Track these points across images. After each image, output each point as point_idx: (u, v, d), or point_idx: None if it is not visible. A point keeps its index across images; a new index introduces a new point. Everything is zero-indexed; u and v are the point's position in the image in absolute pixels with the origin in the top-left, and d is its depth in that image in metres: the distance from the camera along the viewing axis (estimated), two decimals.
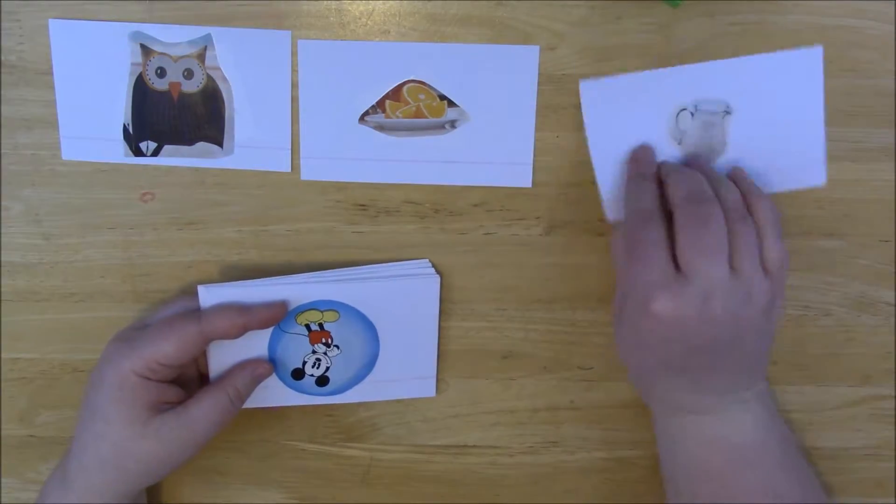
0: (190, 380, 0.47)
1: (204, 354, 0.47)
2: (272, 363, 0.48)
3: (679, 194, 0.42)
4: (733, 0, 0.46)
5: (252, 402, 0.48)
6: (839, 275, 0.49)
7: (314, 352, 0.48)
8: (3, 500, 0.52)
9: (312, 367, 0.49)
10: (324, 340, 0.48)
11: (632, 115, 0.46)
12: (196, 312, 0.44)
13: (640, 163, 0.45)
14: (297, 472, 0.52)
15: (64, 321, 0.50)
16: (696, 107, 0.46)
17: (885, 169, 0.48)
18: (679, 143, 0.47)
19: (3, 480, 0.52)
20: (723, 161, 0.47)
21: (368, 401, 0.51)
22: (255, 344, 0.47)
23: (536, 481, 0.52)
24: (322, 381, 0.49)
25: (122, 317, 0.50)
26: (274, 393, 0.49)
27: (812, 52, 0.46)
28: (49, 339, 0.50)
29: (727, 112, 0.47)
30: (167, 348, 0.42)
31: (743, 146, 0.47)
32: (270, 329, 0.47)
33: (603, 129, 0.47)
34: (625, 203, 0.44)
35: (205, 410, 0.44)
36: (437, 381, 0.51)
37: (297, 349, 0.48)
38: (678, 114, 0.46)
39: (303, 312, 0.47)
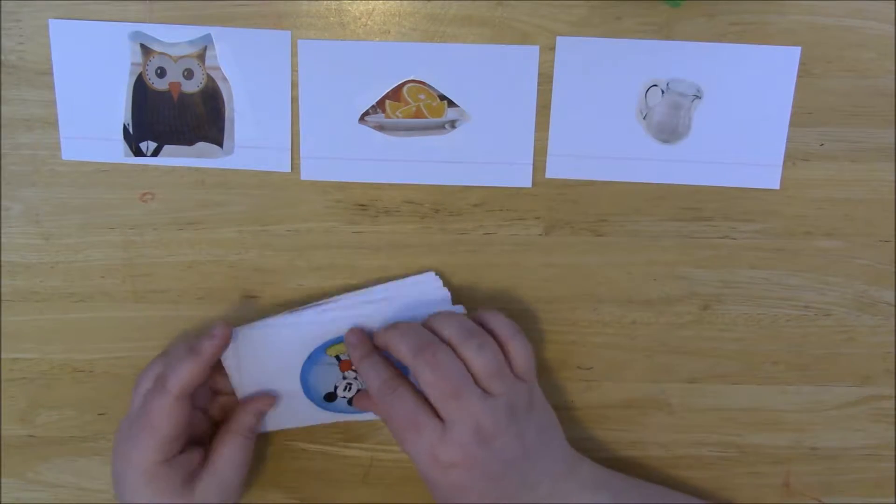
0: (204, 432, 0.48)
1: (215, 398, 0.48)
2: (304, 388, 0.48)
3: (403, 352, 0.43)
4: (733, 0, 0.46)
5: (287, 423, 0.50)
6: (839, 275, 0.49)
7: (345, 377, 0.49)
8: (3, 501, 0.52)
9: (344, 390, 0.49)
10: (354, 367, 0.48)
11: (602, 80, 0.46)
12: (160, 379, 0.44)
13: (357, 346, 0.46)
14: (297, 472, 0.52)
15: (64, 321, 0.50)
16: (667, 85, 0.47)
17: (885, 169, 0.48)
18: (644, 118, 0.47)
19: (3, 480, 0.52)
20: (683, 144, 0.47)
21: None
22: (287, 376, 0.48)
23: None
24: None
25: (122, 317, 0.50)
26: (308, 414, 0.49)
27: (790, 52, 0.46)
28: (49, 339, 0.50)
29: (697, 96, 0.47)
30: (165, 430, 0.43)
31: (706, 134, 0.47)
32: (301, 362, 0.47)
33: (570, 88, 0.47)
34: (367, 387, 0.45)
35: (228, 458, 0.46)
36: None
37: (328, 376, 0.48)
38: (648, 89, 0.47)
39: (332, 346, 0.47)
